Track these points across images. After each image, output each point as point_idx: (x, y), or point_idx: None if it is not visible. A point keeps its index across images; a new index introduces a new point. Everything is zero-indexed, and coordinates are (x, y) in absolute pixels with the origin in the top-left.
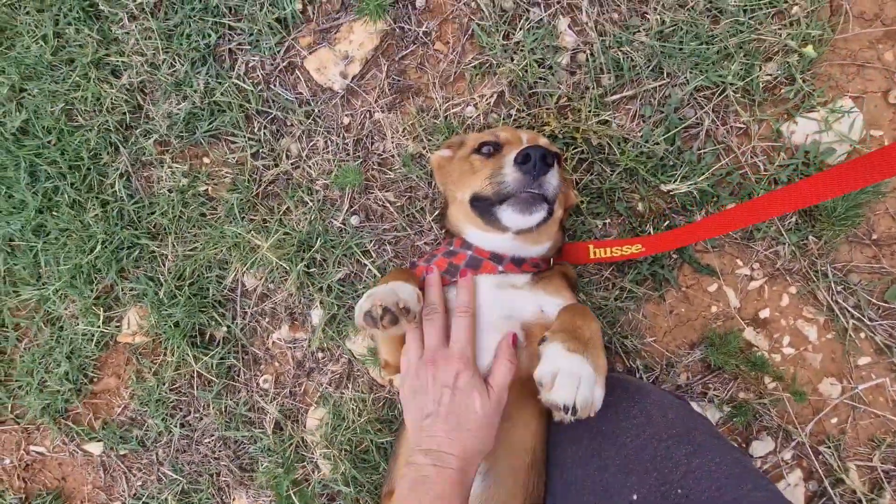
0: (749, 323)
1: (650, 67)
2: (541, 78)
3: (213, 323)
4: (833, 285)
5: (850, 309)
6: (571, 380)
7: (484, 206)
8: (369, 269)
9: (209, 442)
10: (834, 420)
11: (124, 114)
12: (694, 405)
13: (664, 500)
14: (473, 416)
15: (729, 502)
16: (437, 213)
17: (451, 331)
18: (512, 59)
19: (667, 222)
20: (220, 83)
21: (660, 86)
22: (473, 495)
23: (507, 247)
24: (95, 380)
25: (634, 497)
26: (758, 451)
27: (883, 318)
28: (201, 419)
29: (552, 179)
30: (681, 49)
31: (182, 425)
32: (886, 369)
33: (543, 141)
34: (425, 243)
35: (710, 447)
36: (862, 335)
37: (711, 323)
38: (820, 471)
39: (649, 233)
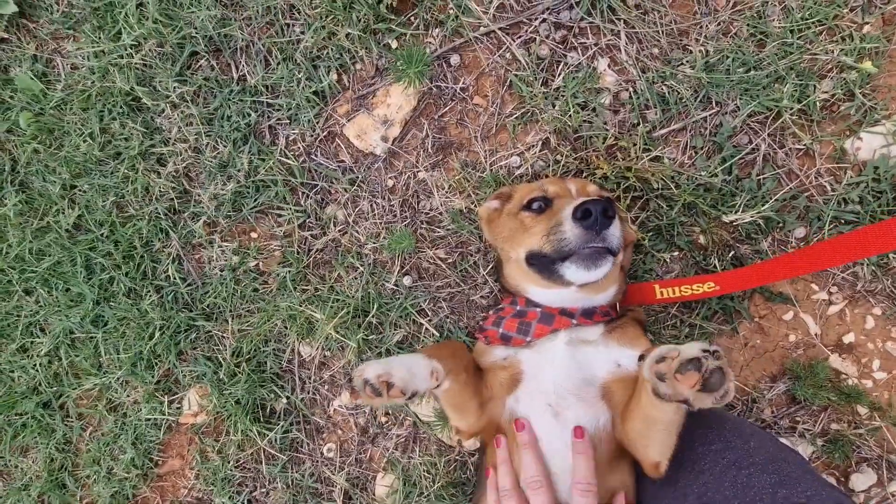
0: (833, 349)
1: (698, 98)
2: (585, 121)
3: (273, 396)
4: None
5: None
6: (694, 343)
7: (543, 264)
8: (426, 329)
9: None
10: None
11: (172, 200)
12: (783, 441)
13: None
14: None
15: None
16: (491, 266)
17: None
18: (553, 106)
19: (732, 252)
20: (262, 160)
21: (710, 115)
22: None
23: (572, 299)
24: (160, 462)
25: None
26: (859, 485)
27: None
28: (268, 494)
29: (615, 231)
30: (728, 77)
31: (249, 502)
32: None
33: (593, 188)
34: (481, 297)
35: (798, 479)
36: None
37: (791, 353)
38: None
39: (714, 265)
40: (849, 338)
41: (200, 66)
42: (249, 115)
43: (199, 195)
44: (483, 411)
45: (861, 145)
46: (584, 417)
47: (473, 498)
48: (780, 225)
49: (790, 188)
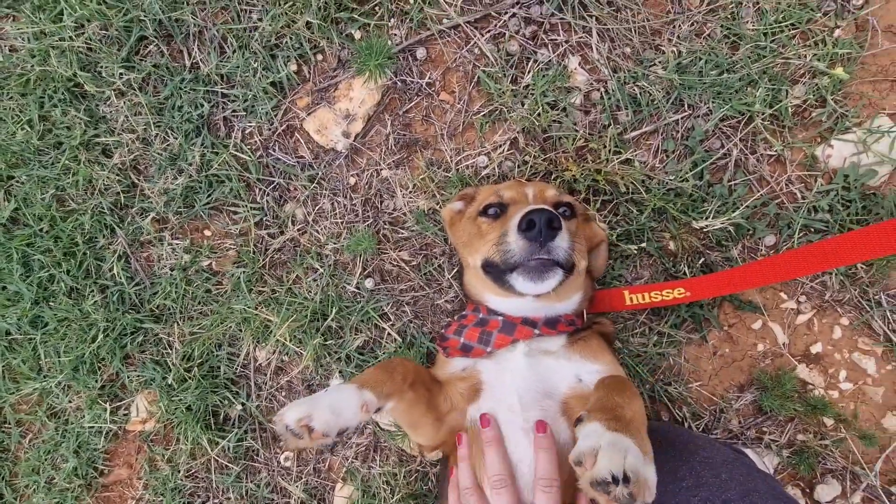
0: (800, 359)
1: (670, 101)
2: (555, 121)
3: (227, 403)
4: (889, 314)
5: None
6: (616, 450)
7: (496, 273)
8: (388, 334)
9: None
10: None
11: (118, 194)
12: (749, 452)
13: None
14: None
15: None
16: (455, 270)
17: None
18: (523, 104)
19: (702, 259)
20: (216, 153)
21: (682, 118)
22: None
23: (531, 308)
24: (106, 472)
25: None
26: (823, 497)
27: None
28: None
29: (561, 243)
30: (701, 79)
31: None
32: None
33: (551, 193)
34: (446, 301)
35: None
36: None
37: (759, 362)
38: None
39: (684, 272)
40: (816, 348)
41: (150, 51)
42: (202, 105)
43: (147, 189)
44: (441, 424)
45: (832, 153)
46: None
47: None
48: (751, 232)
49: (761, 195)
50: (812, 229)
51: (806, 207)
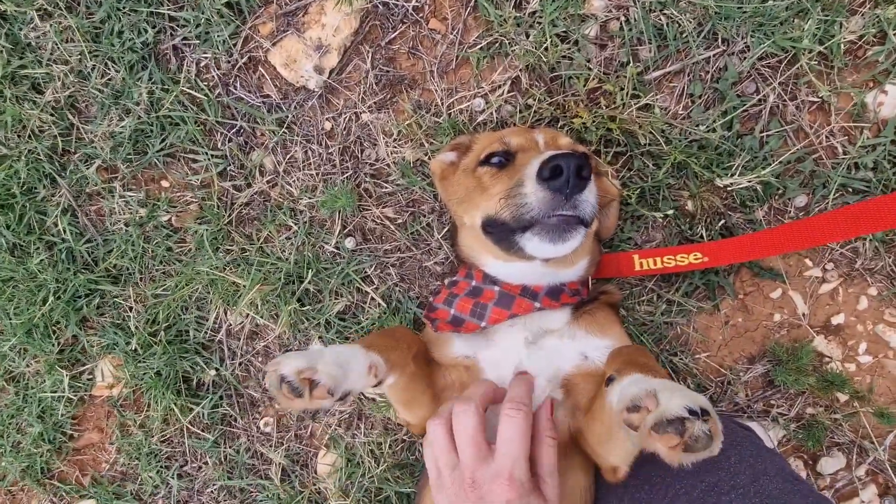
0: (819, 331)
1: (701, 34)
2: (565, 56)
3: (200, 369)
4: None
5: None
6: (679, 389)
7: (501, 233)
8: (372, 298)
9: (212, 492)
10: None
11: (55, 137)
12: (754, 426)
13: None
14: None
15: None
16: (446, 230)
17: (499, 430)
18: (527, 36)
19: (722, 221)
20: (166, 91)
21: (714, 56)
22: None
23: (536, 275)
24: (76, 436)
25: None
26: (827, 469)
27: None
28: (200, 469)
29: (589, 196)
30: (741, 7)
31: (180, 476)
32: None
33: (565, 141)
34: (435, 263)
35: (780, 498)
36: None
37: (774, 333)
38: None
39: (701, 235)
40: (838, 319)
41: None
42: (146, 31)
43: (89, 133)
44: (437, 403)
45: (885, 100)
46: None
47: (420, 481)
48: (780, 192)
49: (797, 149)
50: (850, 189)
51: (846, 164)
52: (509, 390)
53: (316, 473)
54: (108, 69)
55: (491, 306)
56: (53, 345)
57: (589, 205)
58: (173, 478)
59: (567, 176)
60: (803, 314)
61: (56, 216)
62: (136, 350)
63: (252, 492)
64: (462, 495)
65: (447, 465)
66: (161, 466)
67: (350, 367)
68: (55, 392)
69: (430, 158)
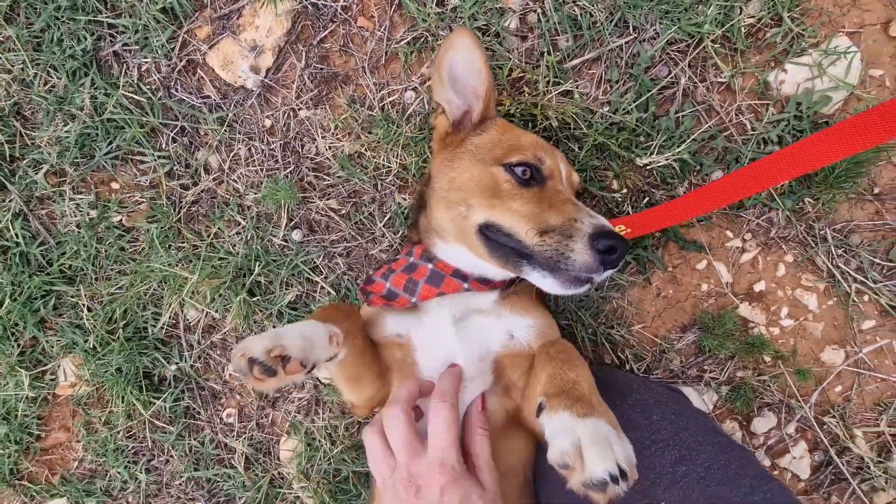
0: (743, 298)
1: (613, 22)
2: (488, 48)
3: (160, 364)
4: (833, 249)
5: (851, 272)
6: (601, 443)
7: (505, 247)
8: (321, 287)
9: (180, 484)
10: (838, 388)
11: (2, 144)
12: (689, 390)
13: None
14: None
15: None
16: (387, 218)
17: (429, 423)
18: (451, 30)
19: (647, 199)
20: (108, 96)
21: (626, 43)
22: None
23: (482, 270)
24: (42, 436)
25: None
26: (759, 429)
27: (888, 278)
28: (167, 462)
29: (610, 273)
30: None
31: (148, 470)
32: (893, 331)
33: (576, 180)
34: (381, 251)
35: (699, 449)
36: (866, 298)
37: (703, 302)
38: (825, 441)
39: (628, 213)
40: (759, 286)
41: None
42: (85, 38)
43: (36, 139)
44: (382, 381)
45: (785, 78)
46: (473, 390)
47: (371, 480)
48: (697, 169)
49: (709, 126)
50: None
51: (755, 139)
52: (437, 384)
53: (279, 460)
54: (51, 76)
55: (422, 283)
56: (13, 347)
57: (605, 277)
58: (141, 472)
59: (617, 258)
60: (727, 283)
61: (7, 221)
62: (94, 348)
63: (218, 482)
64: (403, 491)
65: (388, 468)
66: (128, 462)
67: (313, 338)
68: (17, 391)
69: (367, 151)
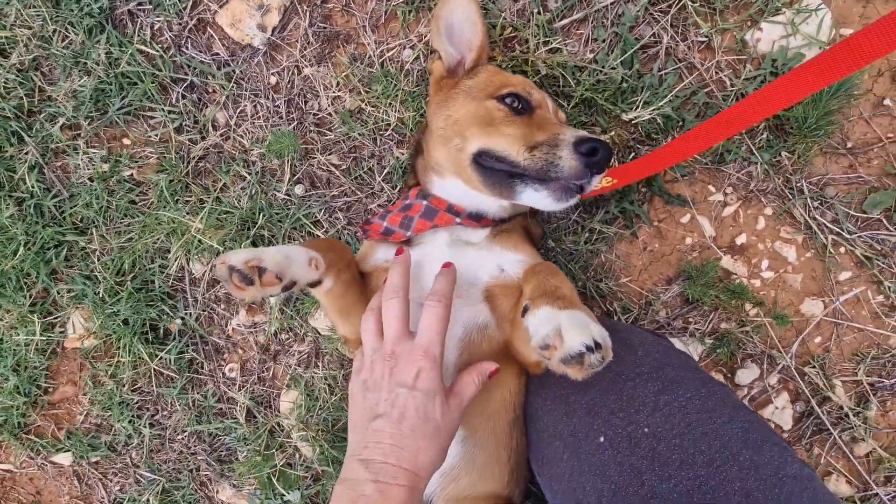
0: (726, 251)
1: None
2: (482, 7)
3: (165, 316)
4: (809, 201)
5: (828, 224)
6: (579, 324)
7: (495, 170)
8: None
9: (183, 438)
10: (818, 339)
11: (21, 98)
12: (675, 341)
13: (630, 441)
14: (432, 425)
15: (698, 437)
16: (386, 172)
17: (420, 319)
18: None
19: (633, 154)
20: (123, 52)
21: (612, 3)
22: (450, 464)
23: (476, 203)
24: (50, 390)
25: (601, 439)
26: (743, 380)
27: (862, 230)
28: (170, 416)
29: (599, 178)
30: None
31: (151, 425)
32: (867, 281)
33: (563, 116)
34: (379, 205)
35: (680, 382)
36: (842, 250)
37: (687, 255)
38: (806, 391)
39: (615, 166)
40: (741, 239)
41: None
42: None
43: (53, 93)
44: None
45: (761, 36)
46: (463, 316)
47: None
48: (680, 124)
49: (689, 82)
50: None
51: (735, 95)
52: (433, 284)
53: (279, 412)
54: (69, 33)
55: (417, 218)
56: (25, 297)
57: (595, 183)
58: (145, 426)
59: (600, 159)
60: (710, 236)
61: (24, 172)
62: (103, 298)
63: (220, 435)
64: (379, 365)
65: (371, 348)
66: (133, 416)
67: (292, 257)
68: (28, 338)
69: (366, 105)
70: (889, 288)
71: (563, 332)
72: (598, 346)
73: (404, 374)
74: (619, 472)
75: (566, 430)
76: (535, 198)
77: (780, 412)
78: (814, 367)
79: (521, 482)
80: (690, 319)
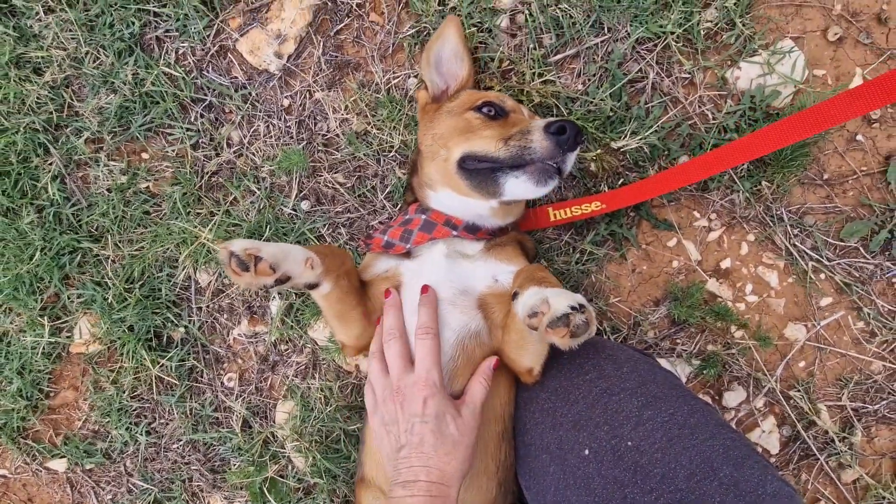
0: (711, 274)
1: (590, 24)
2: (481, 42)
3: (169, 324)
4: (789, 229)
5: (807, 251)
6: (564, 294)
7: (478, 170)
8: None
9: (177, 447)
10: (802, 364)
11: (51, 113)
12: (663, 361)
13: (614, 454)
14: (449, 440)
15: (679, 452)
16: (387, 191)
17: (415, 353)
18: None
19: (621, 180)
20: (149, 73)
21: (601, 41)
22: None
23: (472, 215)
24: (52, 394)
25: (586, 452)
26: (731, 402)
27: (840, 257)
28: (167, 424)
29: (574, 158)
30: (619, 2)
31: (148, 433)
32: (847, 307)
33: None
34: (380, 222)
35: (665, 398)
36: (822, 276)
37: (674, 278)
38: (792, 415)
39: (604, 191)
40: (725, 263)
41: None
42: (133, 23)
43: (81, 109)
44: (369, 322)
45: (740, 74)
46: (457, 322)
47: (363, 431)
48: (666, 153)
49: (674, 115)
50: None
51: (716, 127)
52: (418, 317)
53: (274, 422)
54: (100, 55)
55: (416, 231)
56: (37, 301)
57: (570, 163)
58: (142, 434)
59: (569, 135)
60: (696, 260)
61: (47, 181)
62: (111, 304)
63: (215, 445)
64: (390, 402)
65: (381, 388)
66: (131, 423)
67: (289, 253)
68: (35, 340)
69: (373, 129)
70: (868, 314)
71: (549, 299)
72: (582, 307)
73: (413, 405)
74: (603, 484)
75: (553, 442)
76: (516, 184)
77: (767, 436)
78: (798, 390)
79: (507, 496)
80: (678, 340)
